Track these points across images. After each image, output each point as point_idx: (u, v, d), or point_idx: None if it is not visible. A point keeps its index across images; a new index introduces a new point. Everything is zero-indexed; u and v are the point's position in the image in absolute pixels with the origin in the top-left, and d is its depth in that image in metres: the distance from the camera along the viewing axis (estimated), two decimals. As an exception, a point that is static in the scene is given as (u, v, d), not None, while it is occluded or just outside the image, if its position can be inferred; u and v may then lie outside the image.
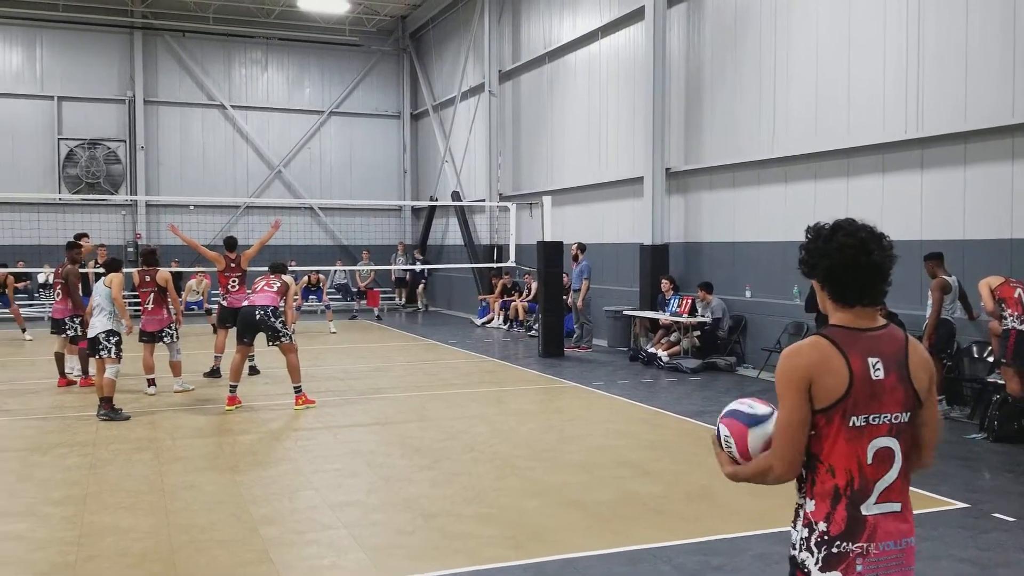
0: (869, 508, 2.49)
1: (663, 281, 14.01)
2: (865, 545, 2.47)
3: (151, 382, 10.84)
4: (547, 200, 15.51)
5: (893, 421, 2.51)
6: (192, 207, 23.58)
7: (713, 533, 5.66)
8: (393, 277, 24.56)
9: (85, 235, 12.12)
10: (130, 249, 23.13)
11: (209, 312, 17.83)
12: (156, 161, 24.21)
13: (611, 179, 16.38)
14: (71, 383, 11.44)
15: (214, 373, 11.91)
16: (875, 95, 10.87)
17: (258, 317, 9.74)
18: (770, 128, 12.61)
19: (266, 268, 10.72)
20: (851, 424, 2.47)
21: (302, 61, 25.75)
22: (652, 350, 13.44)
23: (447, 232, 24.01)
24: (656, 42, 14.32)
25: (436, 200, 23.91)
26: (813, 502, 2.52)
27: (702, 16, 14.00)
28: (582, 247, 15.48)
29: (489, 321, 19.64)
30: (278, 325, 9.79)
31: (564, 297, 15.23)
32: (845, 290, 2.54)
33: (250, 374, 11.97)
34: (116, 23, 23.65)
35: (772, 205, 12.65)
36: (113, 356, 9.42)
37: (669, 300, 13.76)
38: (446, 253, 23.96)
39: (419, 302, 24.27)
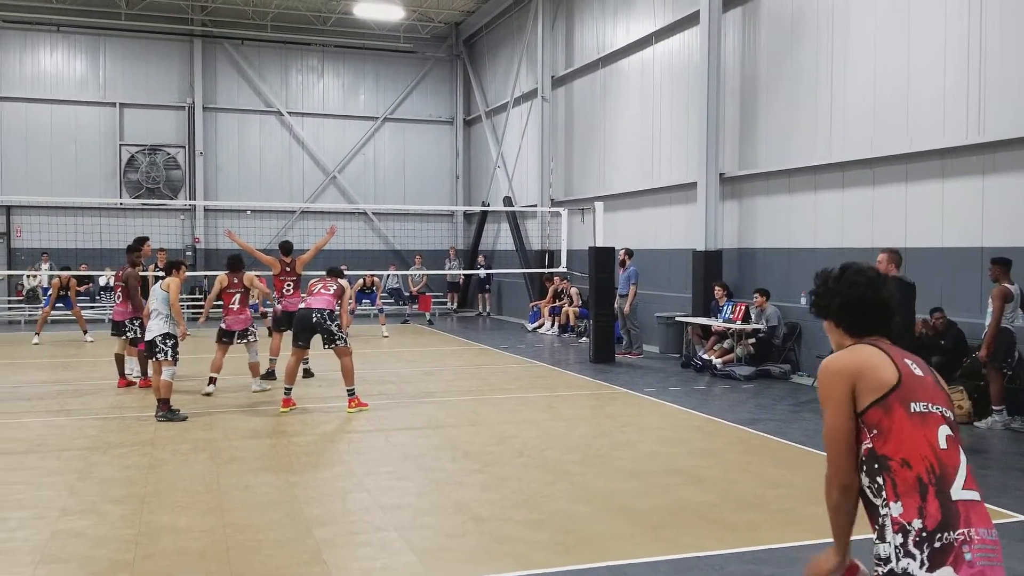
0: (958, 493, 2.40)
1: (716, 287, 13.86)
2: (966, 531, 2.36)
3: (212, 380, 11.06)
4: (599, 205, 15.47)
5: (945, 414, 2.53)
6: (249, 212, 24.06)
7: (766, 543, 5.57)
8: (448, 280, 24.68)
9: (146, 239, 12.41)
10: (188, 253, 23.66)
11: (264, 316, 18.12)
12: (214, 166, 24.73)
13: (664, 184, 16.27)
14: (130, 384, 11.72)
15: (269, 375, 12.10)
16: (935, 99, 10.62)
17: (314, 320, 9.88)
18: (827, 133, 12.40)
19: (321, 272, 10.88)
20: (912, 410, 2.48)
21: (357, 68, 26.09)
22: (705, 357, 13.30)
23: (498, 237, 24.09)
24: (711, 47, 14.19)
25: (488, 205, 23.99)
26: (899, 504, 2.42)
27: (758, 20, 13.84)
28: (629, 252, 15.40)
29: (540, 326, 19.63)
30: (334, 328, 9.92)
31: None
32: (860, 323, 2.68)
33: (304, 376, 12.14)
34: (177, 31, 24.24)
35: (829, 211, 12.43)
36: (169, 358, 9.63)
37: (722, 307, 13.59)
38: (497, 258, 24.03)
39: (481, 306, 24.36)
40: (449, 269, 24.15)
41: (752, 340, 12.82)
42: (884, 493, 2.46)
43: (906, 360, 2.60)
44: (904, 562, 2.37)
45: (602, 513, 6.18)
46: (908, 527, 2.38)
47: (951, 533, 2.35)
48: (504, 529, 5.82)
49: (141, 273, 11.99)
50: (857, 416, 2.53)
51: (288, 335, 10.90)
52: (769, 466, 7.61)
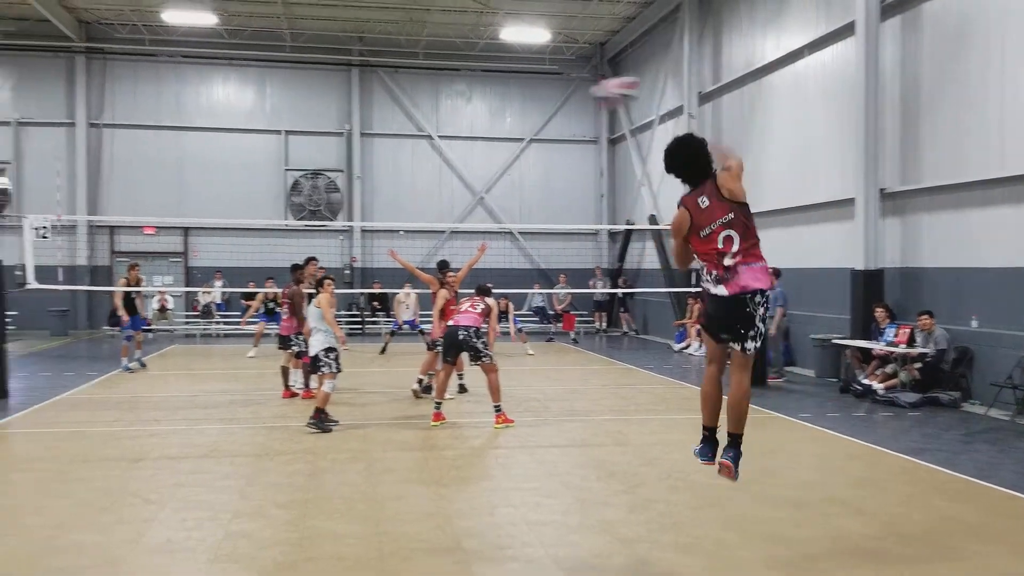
0: (727, 262, 5.08)
1: (877, 309, 13.21)
2: (730, 275, 5.10)
3: (420, 381, 12.22)
4: (749, 223, 15.07)
5: (724, 220, 5.01)
6: (402, 232, 24.93)
7: (933, 580, 5.26)
8: (595, 300, 24.67)
9: (314, 259, 13.05)
10: (347, 271, 24.77)
11: (422, 332, 18.75)
12: (371, 189, 25.83)
13: (818, 201, 15.69)
14: (294, 395, 12.35)
15: (427, 390, 12.44)
16: None
17: (461, 337, 10.17)
18: (998, 144, 11.63)
19: (471, 291, 11.15)
20: (701, 235, 5.07)
21: (504, 91, 26.65)
22: (866, 382, 12.68)
23: (643, 256, 23.90)
24: (868, 57, 13.63)
25: (633, 224, 23.87)
26: (704, 274, 5.24)
27: (919, 27, 13.19)
28: (777, 272, 14.88)
29: (687, 346, 19.31)
30: (479, 345, 10.17)
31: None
32: (683, 177, 5.35)
33: (459, 392, 12.46)
34: (336, 62, 25.55)
35: (1001, 228, 11.63)
36: (332, 371, 10.06)
37: (884, 329, 12.95)
38: (642, 277, 23.83)
39: (626, 325, 24.25)
40: (594, 288, 24.14)
41: (918, 365, 12.14)
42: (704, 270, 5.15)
43: (697, 199, 5.09)
44: (707, 285, 5.12)
45: (753, 541, 6.01)
46: (707, 276, 5.08)
47: (724, 276, 5.02)
48: (651, 552, 5.76)
49: (306, 290, 12.64)
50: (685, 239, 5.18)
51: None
52: (936, 499, 7.18)
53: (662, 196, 22.73)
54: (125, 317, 15.16)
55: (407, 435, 9.78)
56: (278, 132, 25.35)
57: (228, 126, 25.12)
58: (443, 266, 12.74)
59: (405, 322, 19.41)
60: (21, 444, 9.63)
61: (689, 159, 5.12)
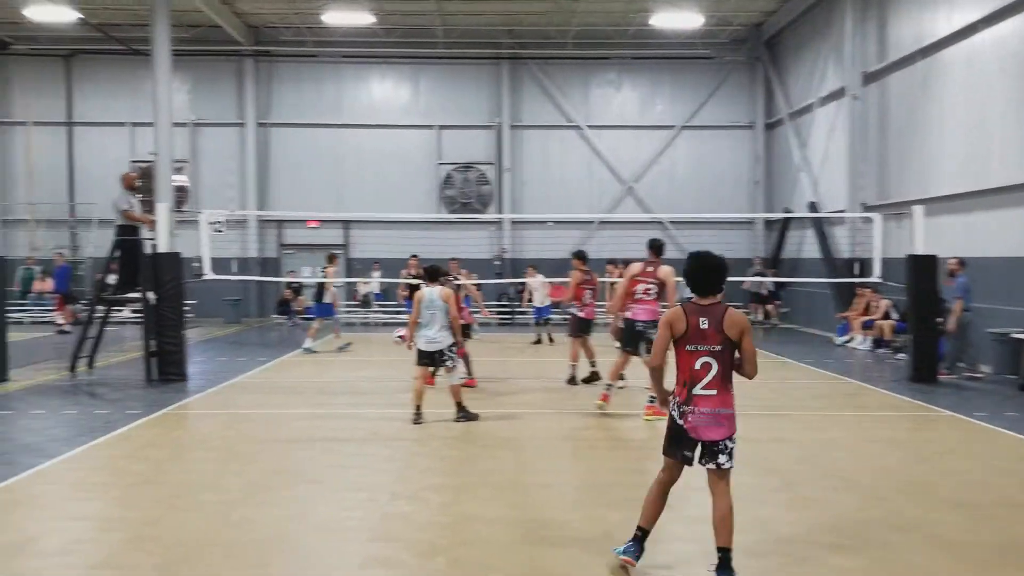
0: (697, 390, 5.03)
1: (1063, 300, 12.16)
2: (694, 408, 5.04)
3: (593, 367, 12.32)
4: (918, 210, 14.20)
5: (712, 350, 5.01)
6: (551, 223, 25.06)
7: None
8: (749, 292, 23.92)
9: (455, 260, 13.25)
10: (496, 263, 25.16)
11: (547, 322, 18.89)
12: (520, 181, 26.10)
13: (997, 185, 14.58)
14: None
15: (571, 381, 12.47)
16: None
17: (638, 329, 10.17)
18: None
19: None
20: (687, 348, 5.04)
21: (654, 78, 26.25)
22: (1048, 379, 11.71)
23: (803, 245, 22.97)
24: (1056, 27, 12.53)
25: (791, 211, 22.99)
26: (675, 387, 5.08)
27: (1118, -9, 11.99)
28: (961, 262, 13.91)
29: (850, 340, 18.43)
30: (654, 336, 10.04)
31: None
32: (693, 286, 5.14)
33: (587, 380, 12.32)
34: (487, 56, 25.92)
35: None
36: (455, 364, 10.14)
37: (1071, 322, 11.90)
38: (802, 267, 22.91)
39: (777, 318, 23.44)
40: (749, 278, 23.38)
41: (1110, 361, 11.09)
42: (674, 379, 5.08)
43: (700, 318, 5.02)
44: (673, 411, 5.11)
45: (920, 544, 5.70)
46: (675, 397, 5.10)
47: (687, 407, 5.05)
48: (809, 552, 5.56)
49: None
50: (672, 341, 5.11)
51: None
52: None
53: (822, 182, 21.79)
54: (337, 302, 17.51)
55: (556, 424, 9.84)
56: (431, 127, 26.01)
57: (384, 122, 26.00)
58: (583, 257, 12.69)
59: (538, 309, 19.33)
60: (199, 424, 10.37)
61: (720, 279, 5.11)
